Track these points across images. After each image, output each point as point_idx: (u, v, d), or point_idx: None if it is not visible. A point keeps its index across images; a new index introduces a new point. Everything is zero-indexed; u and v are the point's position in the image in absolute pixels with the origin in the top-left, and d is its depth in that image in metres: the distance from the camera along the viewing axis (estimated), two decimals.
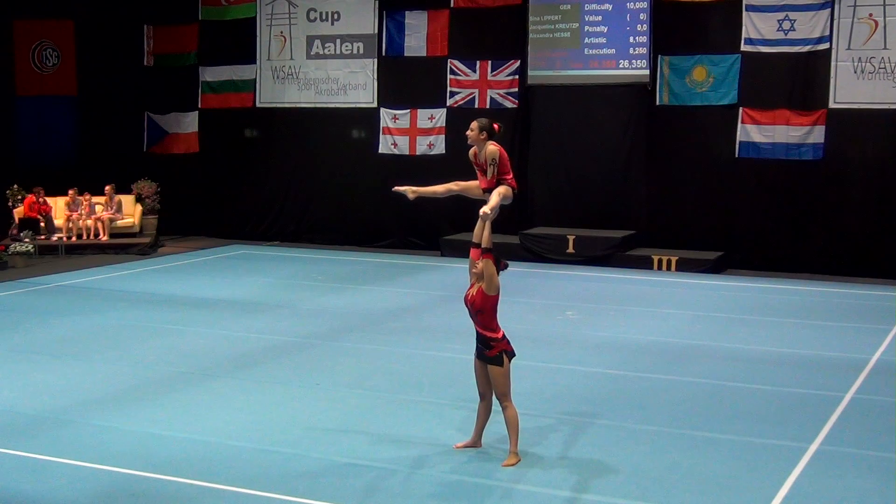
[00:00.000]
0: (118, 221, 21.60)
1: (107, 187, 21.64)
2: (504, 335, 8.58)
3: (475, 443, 8.86)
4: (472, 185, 9.14)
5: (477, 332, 8.58)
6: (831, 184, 19.01)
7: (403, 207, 22.05)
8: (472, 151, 9.01)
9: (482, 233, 8.62)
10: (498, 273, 8.61)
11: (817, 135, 18.93)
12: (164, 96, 24.14)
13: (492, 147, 8.81)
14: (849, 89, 18.72)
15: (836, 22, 18.73)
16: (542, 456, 8.76)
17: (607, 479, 8.30)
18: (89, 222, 21.22)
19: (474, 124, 8.88)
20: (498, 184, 8.89)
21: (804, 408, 10.43)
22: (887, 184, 18.69)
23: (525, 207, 21.34)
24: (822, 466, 8.66)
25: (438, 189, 9.27)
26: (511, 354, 8.60)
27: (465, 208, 22.04)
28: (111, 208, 21.55)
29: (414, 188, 9.21)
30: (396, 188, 9.24)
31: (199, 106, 23.95)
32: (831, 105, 18.87)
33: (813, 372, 11.85)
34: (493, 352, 8.53)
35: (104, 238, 21.21)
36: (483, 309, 8.50)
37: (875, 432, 9.61)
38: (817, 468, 8.62)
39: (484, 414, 8.79)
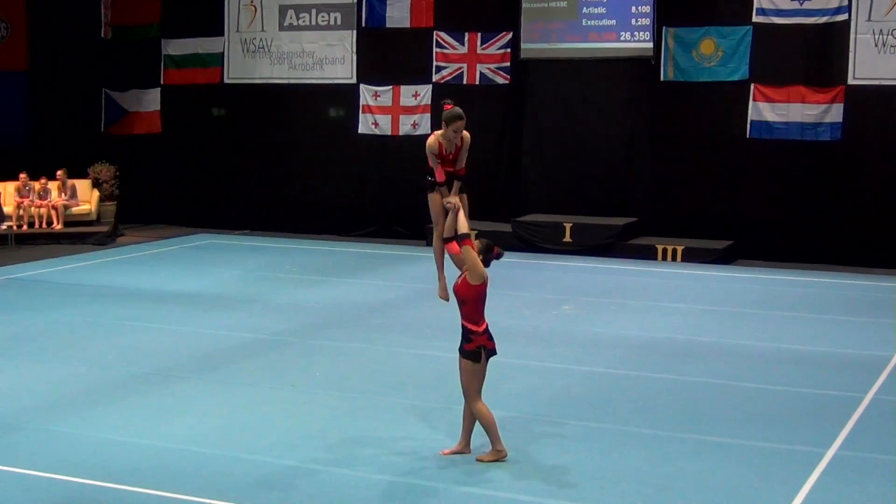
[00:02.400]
0: (73, 209, 21.53)
1: (59, 171, 21.56)
2: (486, 329, 8.61)
3: (463, 448, 8.88)
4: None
5: (461, 323, 8.61)
6: (850, 167, 19.06)
7: (386, 193, 22.20)
8: (437, 144, 9.02)
9: (454, 224, 8.64)
10: (492, 260, 8.63)
11: (835, 114, 18.97)
12: (123, 72, 24.07)
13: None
14: (869, 64, 18.76)
15: None
16: (537, 463, 8.77)
17: (607, 487, 8.32)
18: (42, 209, 21.15)
19: (460, 123, 8.90)
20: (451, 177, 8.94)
21: (820, 410, 10.47)
22: None
23: (518, 193, 21.37)
24: (839, 473, 8.69)
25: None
26: (491, 353, 8.64)
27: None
28: (65, 194, 21.48)
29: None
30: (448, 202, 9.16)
31: (162, 82, 23.88)
32: (850, 81, 18.91)
33: (830, 371, 11.90)
34: (471, 345, 8.58)
35: (58, 227, 21.14)
36: (466, 299, 8.52)
37: None
38: (834, 475, 8.65)
39: (470, 417, 8.82)
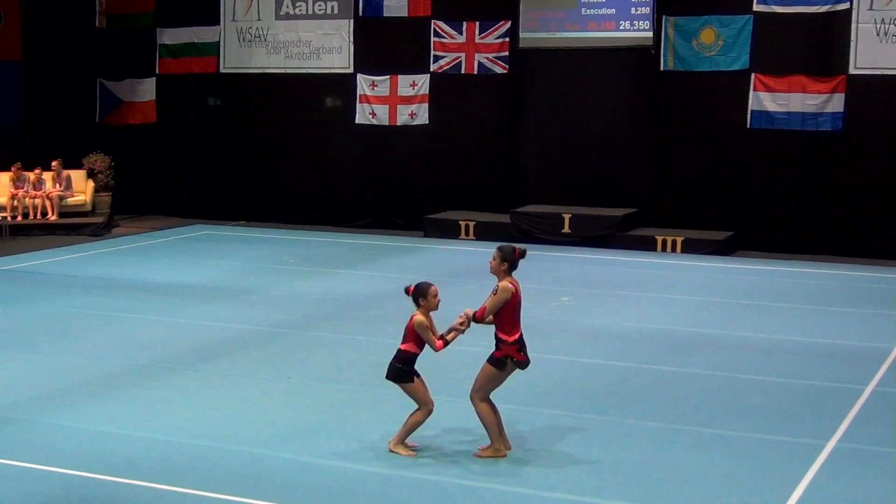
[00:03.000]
0: (68, 199, 21.52)
1: (53, 162, 21.55)
2: (518, 339, 8.63)
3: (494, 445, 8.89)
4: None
5: (494, 332, 8.68)
6: (852, 157, 19.07)
7: (383, 183, 22.21)
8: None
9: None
10: (518, 261, 8.65)
11: (836, 103, 18.97)
12: (118, 61, 24.04)
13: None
14: (871, 53, 18.77)
15: None
16: (536, 455, 8.79)
17: (606, 479, 8.34)
18: (36, 200, 21.14)
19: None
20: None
21: (821, 402, 10.49)
22: None
23: (517, 183, 21.38)
24: (840, 466, 8.72)
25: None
26: (519, 364, 8.67)
27: (450, 184, 22.18)
28: (60, 185, 21.47)
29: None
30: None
31: (157, 72, 23.86)
32: (852, 71, 18.92)
33: (830, 362, 11.92)
34: (499, 353, 8.63)
35: (53, 217, 21.14)
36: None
37: None
38: (835, 468, 8.67)
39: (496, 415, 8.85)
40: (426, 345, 8.70)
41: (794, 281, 16.87)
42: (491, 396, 8.79)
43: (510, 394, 9.46)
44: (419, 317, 8.69)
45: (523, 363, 8.73)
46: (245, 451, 8.87)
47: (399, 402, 10.21)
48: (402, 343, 8.76)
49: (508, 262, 8.65)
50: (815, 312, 14.56)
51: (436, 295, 8.74)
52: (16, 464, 8.51)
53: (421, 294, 8.74)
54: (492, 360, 8.66)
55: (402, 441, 8.82)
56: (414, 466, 8.54)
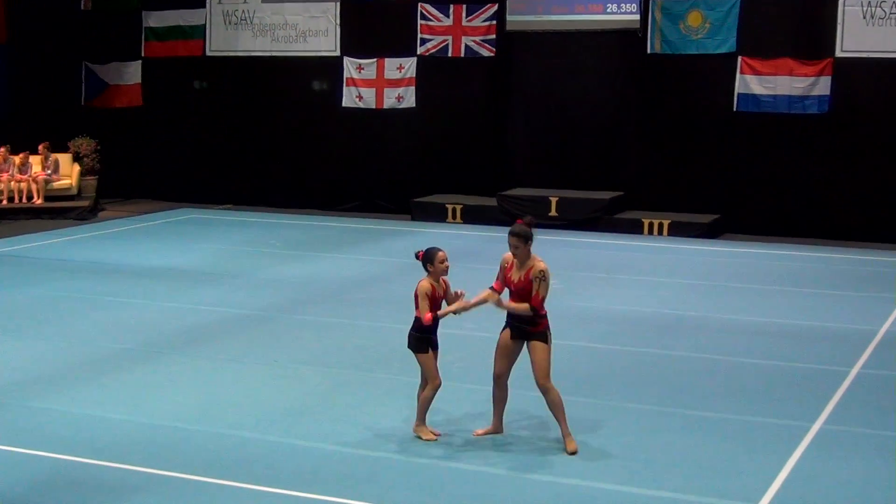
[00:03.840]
0: (54, 183, 21.44)
1: (40, 145, 21.48)
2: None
3: (497, 429, 8.91)
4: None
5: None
6: (838, 140, 19.12)
7: (370, 167, 22.19)
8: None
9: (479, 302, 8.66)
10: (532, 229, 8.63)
11: (823, 86, 19.01)
12: (103, 44, 23.94)
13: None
14: (858, 36, 18.79)
15: None
16: (522, 438, 8.82)
17: (593, 462, 8.37)
18: (22, 184, 21.07)
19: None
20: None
21: (806, 384, 10.55)
22: None
23: (503, 167, 21.38)
24: (825, 447, 8.77)
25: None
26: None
27: (437, 168, 22.18)
28: (47, 169, 21.39)
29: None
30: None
31: (143, 55, 23.78)
32: (838, 54, 18.95)
33: (816, 345, 11.98)
34: (541, 327, 8.56)
35: (39, 201, 21.08)
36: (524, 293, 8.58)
37: (883, 410, 9.74)
38: (820, 449, 8.73)
39: (501, 397, 8.84)
40: (440, 309, 8.65)
41: (780, 263, 16.92)
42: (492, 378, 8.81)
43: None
44: (423, 283, 8.66)
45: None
46: (232, 434, 8.88)
47: (386, 385, 10.25)
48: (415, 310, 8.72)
49: (531, 238, 8.57)
50: (801, 295, 14.61)
51: (443, 261, 8.71)
52: (2, 448, 8.50)
53: (429, 259, 8.71)
54: (541, 338, 8.56)
55: (423, 422, 8.79)
56: (400, 449, 8.57)
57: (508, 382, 8.80)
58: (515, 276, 8.56)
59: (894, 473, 8.20)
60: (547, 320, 8.61)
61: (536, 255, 8.63)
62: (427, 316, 8.58)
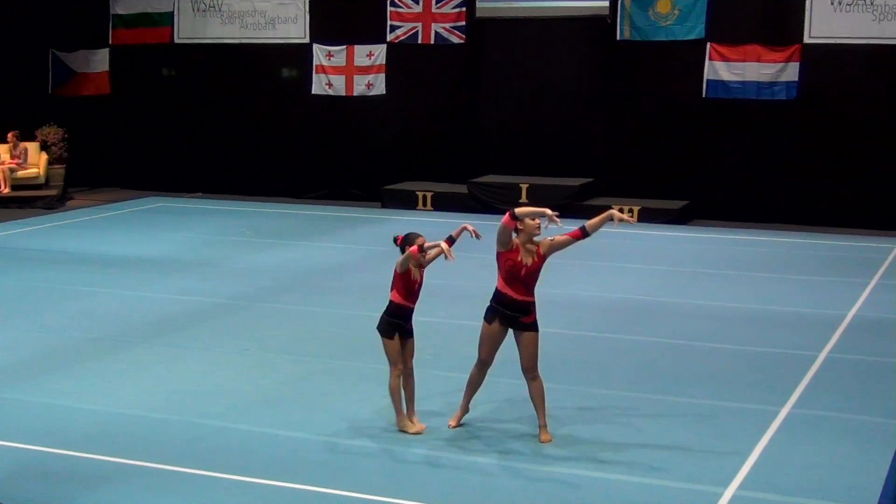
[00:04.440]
0: (20, 172, 21.26)
1: (10, 134, 21.31)
2: None
3: (465, 412, 8.92)
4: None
5: (512, 297, 8.59)
6: (806, 126, 19.23)
7: (340, 154, 22.15)
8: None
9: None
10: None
11: (791, 72, 19.09)
12: (71, 32, 23.76)
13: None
14: (825, 23, 18.88)
15: None
16: (491, 425, 8.84)
17: (564, 447, 8.41)
18: None
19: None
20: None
21: (776, 369, 10.62)
22: (866, 126, 18.95)
23: (474, 154, 21.38)
24: (794, 431, 8.84)
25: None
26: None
27: (408, 155, 22.15)
28: (18, 158, 21.23)
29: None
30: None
31: (111, 42, 23.61)
32: (806, 40, 19.03)
33: (785, 330, 12.06)
34: (533, 317, 8.57)
35: (5, 190, 20.91)
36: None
37: (850, 394, 9.83)
38: (789, 433, 8.79)
39: (479, 382, 8.84)
40: (415, 298, 8.65)
41: (750, 249, 17.01)
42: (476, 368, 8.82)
43: (468, 363, 9.49)
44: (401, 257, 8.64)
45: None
46: (203, 423, 8.87)
47: (357, 374, 10.25)
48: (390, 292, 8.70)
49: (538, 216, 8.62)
50: (770, 280, 14.70)
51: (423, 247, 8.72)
52: None
53: (408, 243, 8.69)
54: (534, 327, 8.56)
55: (403, 414, 8.72)
56: (371, 436, 8.57)
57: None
58: (527, 259, 8.56)
59: (862, 456, 8.28)
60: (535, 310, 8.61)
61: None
62: (413, 248, 8.52)
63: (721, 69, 19.51)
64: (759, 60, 19.27)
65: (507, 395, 9.55)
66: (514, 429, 8.78)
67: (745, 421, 9.05)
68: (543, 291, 13.68)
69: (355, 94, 21.95)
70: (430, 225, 18.25)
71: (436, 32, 21.25)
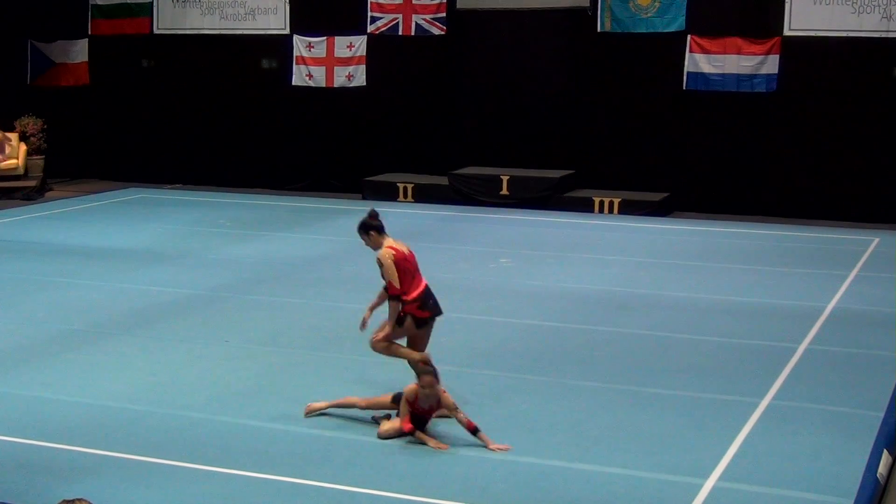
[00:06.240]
0: (0, 163, 21.16)
1: None
2: (417, 297, 8.77)
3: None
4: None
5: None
6: (785, 118, 19.28)
7: (320, 146, 22.10)
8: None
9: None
10: (379, 219, 8.88)
11: (771, 65, 19.13)
12: (49, 22, 23.62)
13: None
14: (805, 15, 18.91)
15: None
16: (474, 416, 8.81)
17: (544, 439, 8.41)
18: None
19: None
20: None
21: (755, 360, 10.64)
22: (845, 119, 18.99)
23: (454, 146, 21.35)
24: (773, 422, 8.86)
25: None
26: (419, 321, 8.80)
27: (389, 146, 22.11)
28: (2, 151, 21.12)
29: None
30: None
31: (90, 32, 23.49)
32: (786, 32, 19.07)
33: (765, 322, 12.08)
34: (401, 312, 8.73)
35: None
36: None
37: (830, 385, 9.86)
38: (769, 424, 8.82)
39: None
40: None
41: (730, 241, 17.05)
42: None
43: (448, 355, 9.50)
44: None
45: (426, 319, 8.80)
46: (183, 415, 8.84)
47: (338, 365, 10.24)
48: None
49: (375, 228, 8.77)
50: (750, 272, 14.73)
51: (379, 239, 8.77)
52: None
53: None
54: (399, 321, 8.70)
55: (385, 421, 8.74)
56: (353, 428, 8.55)
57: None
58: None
59: (841, 447, 8.31)
60: (412, 306, 8.69)
61: (389, 239, 8.81)
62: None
63: (701, 61, 19.53)
64: (739, 53, 19.30)
65: (490, 387, 9.55)
66: (493, 421, 8.76)
67: (725, 412, 9.07)
68: (524, 283, 13.79)
69: (336, 85, 21.89)
70: (412, 217, 18.24)
71: (416, 24, 21.20)
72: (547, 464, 7.93)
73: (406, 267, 8.69)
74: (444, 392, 8.33)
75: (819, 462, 8.04)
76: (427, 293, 8.78)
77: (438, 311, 8.91)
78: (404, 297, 8.65)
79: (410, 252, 8.81)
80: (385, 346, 8.72)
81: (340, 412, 8.79)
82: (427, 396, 8.26)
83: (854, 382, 9.93)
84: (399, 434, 8.30)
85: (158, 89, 23.19)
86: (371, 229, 8.77)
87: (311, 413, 8.79)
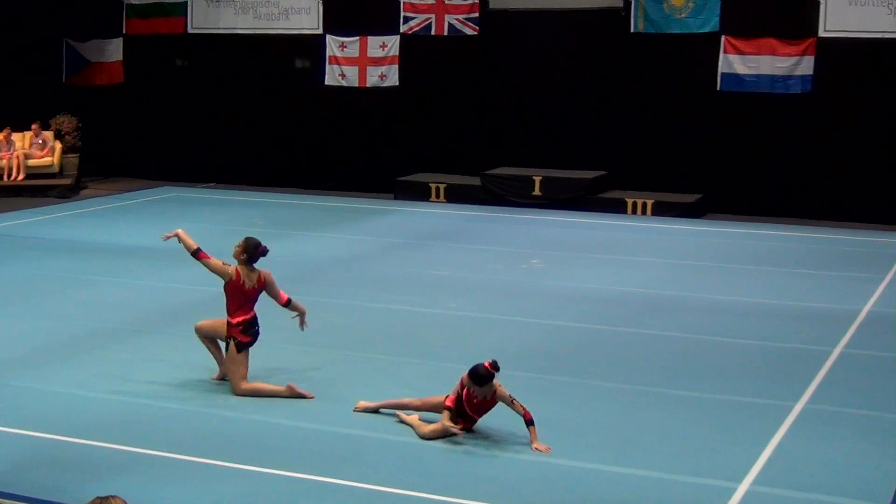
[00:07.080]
0: (34, 160, 21.28)
1: (33, 125, 21.42)
2: (239, 322, 9.44)
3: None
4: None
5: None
6: (821, 120, 19.14)
7: (353, 145, 22.12)
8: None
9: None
10: (259, 256, 9.81)
11: (806, 66, 19.01)
12: (84, 21, 23.76)
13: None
14: (840, 16, 18.78)
15: None
16: (504, 417, 8.79)
17: (576, 441, 8.38)
18: (2, 161, 20.91)
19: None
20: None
21: (790, 364, 10.57)
22: (880, 121, 18.85)
23: (487, 146, 21.32)
24: (808, 427, 8.79)
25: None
26: (240, 344, 9.40)
27: (421, 146, 22.13)
28: (43, 149, 21.27)
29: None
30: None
31: (124, 32, 23.60)
32: (821, 34, 18.93)
33: (799, 325, 12.00)
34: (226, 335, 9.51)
35: (20, 177, 20.93)
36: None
37: (865, 390, 9.77)
38: (803, 428, 8.74)
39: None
40: None
41: (764, 243, 16.95)
42: None
43: (479, 355, 9.46)
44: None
45: (245, 343, 9.36)
46: (215, 413, 8.86)
47: (369, 365, 10.22)
48: None
49: (248, 255, 9.58)
50: (785, 275, 14.63)
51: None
52: None
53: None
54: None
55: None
56: (383, 428, 8.54)
57: None
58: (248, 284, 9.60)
59: (876, 452, 8.23)
60: (235, 330, 9.40)
61: (244, 268, 9.82)
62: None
63: (735, 62, 19.43)
64: (773, 54, 19.19)
65: (520, 389, 9.53)
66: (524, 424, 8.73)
67: (759, 416, 9.00)
68: (556, 285, 13.74)
69: (368, 85, 21.90)
70: (443, 217, 18.24)
71: (449, 24, 21.18)
72: (578, 466, 7.89)
73: (233, 293, 9.45)
74: (500, 386, 8.31)
75: (853, 467, 7.96)
76: (247, 322, 9.43)
77: (251, 342, 9.47)
78: (230, 320, 9.37)
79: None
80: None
81: (388, 412, 8.80)
82: (481, 391, 8.28)
83: (890, 387, 9.83)
84: (444, 434, 8.27)
85: (192, 88, 23.28)
86: (249, 256, 9.77)
87: (361, 410, 8.81)
